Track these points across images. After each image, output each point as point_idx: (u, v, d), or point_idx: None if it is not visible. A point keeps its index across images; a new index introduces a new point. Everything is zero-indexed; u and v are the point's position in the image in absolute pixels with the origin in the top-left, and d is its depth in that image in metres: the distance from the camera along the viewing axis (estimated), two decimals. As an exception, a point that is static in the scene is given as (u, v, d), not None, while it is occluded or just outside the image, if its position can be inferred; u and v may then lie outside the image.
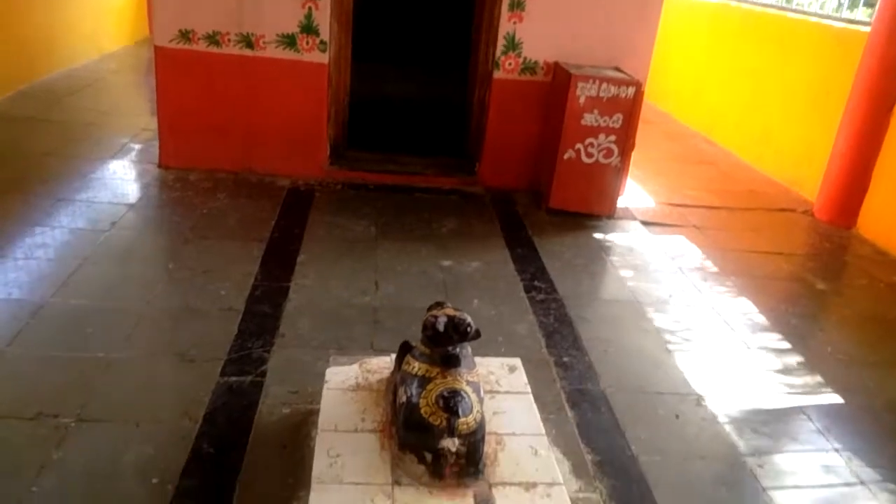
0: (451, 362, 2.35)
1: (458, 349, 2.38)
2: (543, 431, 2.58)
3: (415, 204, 5.42)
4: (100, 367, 3.11)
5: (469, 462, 2.28)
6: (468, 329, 2.39)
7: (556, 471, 2.39)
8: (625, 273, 4.62)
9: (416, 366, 2.40)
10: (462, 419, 2.21)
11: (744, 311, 4.27)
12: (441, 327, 2.37)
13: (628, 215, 5.60)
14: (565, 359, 3.56)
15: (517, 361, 2.97)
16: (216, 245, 4.41)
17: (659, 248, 5.11)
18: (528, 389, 2.80)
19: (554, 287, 4.30)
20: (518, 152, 5.78)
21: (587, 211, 5.41)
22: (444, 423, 2.19)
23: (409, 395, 2.33)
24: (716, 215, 5.88)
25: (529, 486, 2.31)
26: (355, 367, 2.84)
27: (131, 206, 4.86)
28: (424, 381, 2.33)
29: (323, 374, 2.78)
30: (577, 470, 2.81)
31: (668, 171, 6.85)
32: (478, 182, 5.85)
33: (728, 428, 3.18)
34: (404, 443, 2.31)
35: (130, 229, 4.53)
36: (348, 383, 2.73)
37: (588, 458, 2.89)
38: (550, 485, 2.32)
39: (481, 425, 2.27)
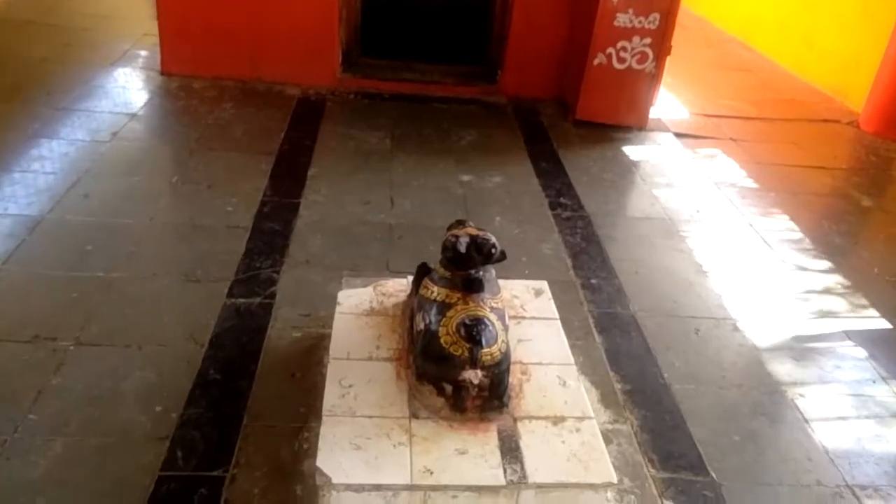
0: (473, 287, 2.13)
1: (480, 272, 2.16)
2: (572, 360, 2.39)
3: (432, 114, 5.10)
4: (100, 287, 2.95)
5: (492, 395, 2.10)
6: (492, 250, 2.17)
7: (586, 403, 2.21)
8: (656, 189, 4.34)
9: (434, 290, 2.19)
10: (485, 349, 2.01)
11: (783, 230, 4.00)
12: (462, 248, 2.15)
13: (660, 127, 5.25)
14: (593, 280, 3.34)
15: (543, 284, 2.75)
16: (222, 157, 4.17)
17: (693, 162, 4.79)
18: (556, 315, 2.59)
19: (580, 203, 4.04)
20: (543, 59, 5.38)
21: (617, 122, 5.06)
22: (466, 353, 2.00)
23: (427, 322, 2.13)
24: (753, 127, 5.51)
25: (557, 419, 2.13)
26: (369, 289, 2.64)
27: (133, 115, 4.60)
28: (444, 308, 2.12)
29: (335, 297, 2.59)
30: (606, 399, 2.64)
31: (702, 80, 6.42)
32: (499, 91, 5.48)
33: (766, 355, 2.98)
34: (422, 373, 2.13)
35: (132, 140, 4.28)
36: (362, 307, 2.54)
37: (618, 386, 2.71)
38: (580, 418, 2.15)
39: (506, 355, 2.07)
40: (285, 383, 2.54)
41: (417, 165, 4.30)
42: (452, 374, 2.06)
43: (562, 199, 4.06)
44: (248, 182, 3.90)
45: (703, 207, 4.17)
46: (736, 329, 3.12)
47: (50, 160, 3.92)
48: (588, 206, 4.01)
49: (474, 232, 2.24)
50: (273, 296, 3.00)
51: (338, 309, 2.52)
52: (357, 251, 3.38)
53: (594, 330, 3.01)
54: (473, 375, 2.04)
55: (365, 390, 2.16)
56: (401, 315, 2.51)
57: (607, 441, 2.32)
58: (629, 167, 4.62)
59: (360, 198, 3.86)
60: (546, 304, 2.65)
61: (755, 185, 4.53)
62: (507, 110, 5.31)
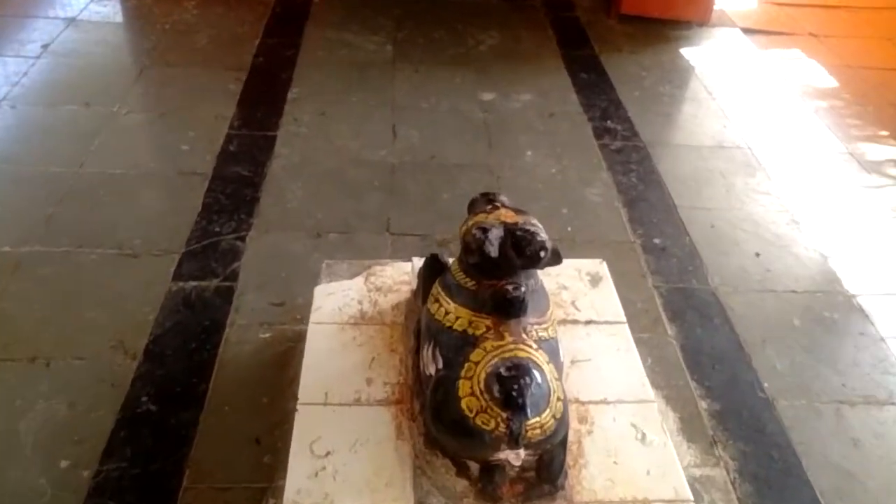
0: (511, 310, 1.36)
1: (522, 285, 1.38)
2: (652, 394, 1.65)
3: (444, 11, 4.13)
4: (1, 267, 2.21)
5: (542, 477, 1.38)
6: (540, 251, 1.38)
7: (680, 473, 1.48)
8: (727, 105, 3.44)
9: (451, 310, 1.43)
10: (532, 420, 1.26)
11: (886, 151, 3.14)
12: (494, 250, 1.36)
13: (724, 21, 4.26)
14: (657, 240, 2.55)
15: (601, 267, 1.98)
16: (180, 76, 3.31)
17: (768, 66, 3.85)
18: (623, 316, 1.83)
19: (633, 128, 3.18)
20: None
21: (672, 16, 4.09)
22: (503, 427, 1.25)
23: (440, 366, 1.38)
24: (838, 18, 4.49)
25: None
26: (358, 281, 1.88)
27: (71, 20, 3.69)
28: (466, 343, 1.36)
29: (316, 273, 1.87)
30: (689, 426, 1.92)
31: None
32: (526, -21, 4.47)
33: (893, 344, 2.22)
34: (434, 440, 1.40)
35: (67, 55, 3.41)
36: (348, 312, 1.78)
37: (703, 405, 1.98)
38: (672, 502, 1.42)
39: (563, 422, 1.33)
40: (245, 418, 1.83)
41: (426, 81, 3.41)
42: (482, 454, 1.33)
43: (609, 123, 3.20)
44: (211, 108, 3.07)
45: (788, 129, 3.29)
46: (853, 307, 2.34)
47: (-41, 83, 3.09)
48: (643, 132, 3.15)
49: (511, 219, 1.44)
50: (235, 275, 2.25)
51: (313, 316, 1.77)
52: (349, 205, 2.59)
53: (663, 315, 2.25)
54: (514, 457, 1.31)
55: (349, 462, 1.44)
56: (403, 323, 1.76)
57: (696, 497, 1.62)
58: (690, 75, 3.70)
59: (353, 127, 3.02)
60: (608, 299, 1.88)
61: (847, 97, 3.61)
62: (536, 4, 4.31)
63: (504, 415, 1.25)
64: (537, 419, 1.26)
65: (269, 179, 2.67)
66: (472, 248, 1.38)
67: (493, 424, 1.25)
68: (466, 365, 1.32)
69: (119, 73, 3.34)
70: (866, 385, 2.07)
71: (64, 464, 1.69)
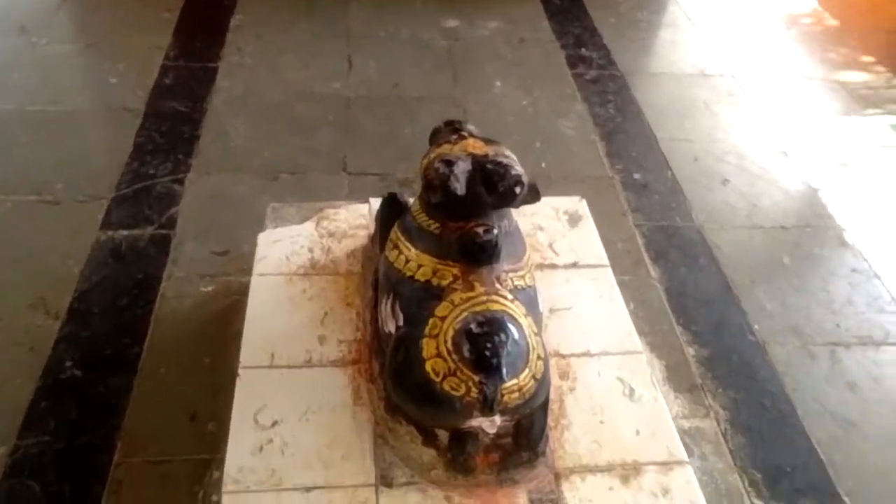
0: (482, 256, 1.16)
1: (494, 227, 1.18)
2: (639, 344, 1.48)
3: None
4: None
5: (520, 444, 1.21)
6: (515, 186, 1.17)
7: (673, 433, 1.32)
8: (709, 31, 3.22)
9: (413, 257, 1.22)
10: (509, 383, 1.07)
11: (881, 86, 2.97)
12: (460, 187, 1.15)
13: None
14: (637, 175, 2.36)
15: (580, 205, 1.78)
16: (108, 2, 2.97)
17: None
18: (605, 259, 1.64)
19: (610, 57, 2.95)
20: None
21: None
22: (475, 391, 1.06)
23: (399, 322, 1.18)
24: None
25: (628, 469, 1.26)
26: (309, 226, 1.66)
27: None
28: (430, 295, 1.16)
29: (265, 220, 1.63)
30: (676, 374, 1.77)
31: None
32: None
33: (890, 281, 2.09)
34: (397, 406, 1.21)
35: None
36: (296, 261, 1.57)
37: (690, 351, 1.83)
38: (665, 465, 1.27)
39: (544, 381, 1.14)
40: (184, 382, 1.62)
41: (384, 8, 3.12)
42: (451, 423, 1.15)
43: (584, 52, 2.96)
44: (144, 38, 2.76)
45: (773, 56, 3.09)
46: (844, 242, 2.19)
47: None
48: (620, 61, 2.92)
49: (480, 150, 1.23)
50: (172, 222, 2.01)
51: (256, 266, 1.55)
52: (300, 142, 2.34)
53: (646, 256, 2.08)
54: (488, 424, 1.13)
55: (299, 433, 1.25)
56: (360, 272, 1.55)
57: (686, 451, 1.47)
58: (668, 1, 3.46)
59: (303, 58, 2.74)
60: (588, 240, 1.69)
61: (833, 22, 3.41)
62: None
63: (476, 378, 1.06)
64: (515, 381, 1.08)
65: (210, 115, 2.41)
66: (434, 185, 1.17)
67: (463, 389, 1.06)
68: (431, 321, 1.12)
69: (39, 1, 2.98)
70: (861, 325, 1.94)
71: (-26, 440, 1.48)
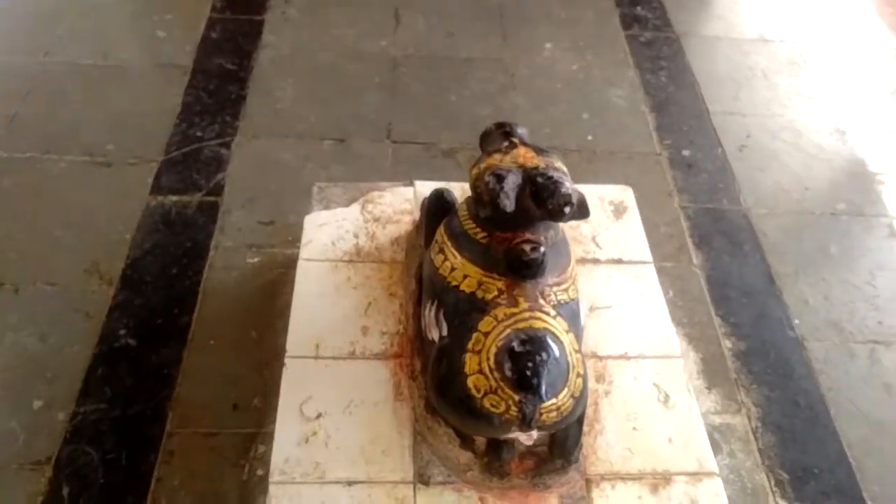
0: (528, 272, 1.17)
1: (542, 245, 1.18)
2: (678, 349, 1.49)
3: None
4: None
5: (555, 452, 1.25)
6: (565, 205, 1.16)
7: (704, 442, 1.35)
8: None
9: (458, 265, 1.24)
10: (548, 403, 1.10)
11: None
12: (509, 204, 1.15)
13: None
14: (686, 152, 2.31)
15: (627, 193, 1.76)
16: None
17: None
18: (649, 255, 1.64)
19: (666, 16, 2.83)
20: None
21: None
22: (515, 410, 1.09)
23: (443, 332, 1.21)
24: None
25: (658, 479, 1.29)
26: (354, 209, 1.67)
27: None
28: (474, 308, 1.18)
29: (309, 187, 1.67)
30: (711, 368, 1.79)
31: None
32: None
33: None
34: (438, 410, 1.26)
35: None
36: (342, 247, 1.59)
37: (727, 344, 1.84)
38: (695, 476, 1.30)
39: (582, 398, 1.17)
40: (232, 355, 1.69)
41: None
42: (489, 435, 1.19)
43: (639, 10, 2.85)
44: (191, -15, 2.72)
45: (839, 19, 2.93)
46: (893, 233, 2.14)
47: None
48: (676, 21, 2.81)
49: (531, 162, 1.22)
50: (220, 189, 2.04)
51: (302, 251, 1.58)
52: (345, 106, 2.33)
53: (689, 242, 2.05)
54: (525, 437, 1.17)
55: (342, 426, 1.31)
56: (404, 261, 1.57)
57: (715, 448, 1.50)
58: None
59: (349, 12, 2.68)
60: (633, 234, 1.68)
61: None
62: None
63: (516, 397, 1.09)
64: (553, 401, 1.10)
65: (256, 74, 2.39)
66: (484, 200, 1.17)
67: (503, 407, 1.10)
68: (475, 336, 1.14)
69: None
70: (909, 321, 1.92)
71: (37, 404, 1.57)
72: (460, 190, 1.70)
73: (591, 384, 1.40)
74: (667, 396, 1.40)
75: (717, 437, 1.65)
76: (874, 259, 2.07)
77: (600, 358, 1.45)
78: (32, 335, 1.68)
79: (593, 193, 1.75)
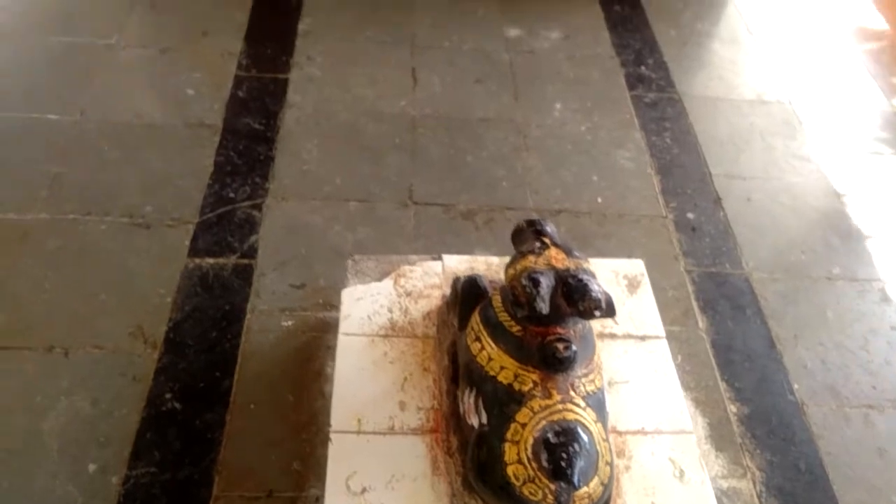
0: (560, 367, 1.30)
1: (574, 341, 1.31)
2: (690, 424, 1.62)
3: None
4: (7, 238, 2.10)
5: (584, 531, 1.37)
6: (595, 309, 1.29)
7: (717, 515, 1.47)
8: (766, 44, 3.21)
9: (495, 356, 1.36)
10: (581, 491, 1.23)
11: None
12: (545, 307, 1.27)
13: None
14: (690, 215, 2.44)
15: (639, 266, 1.89)
16: (180, 2, 3.04)
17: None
18: (661, 329, 1.76)
19: (669, 76, 2.97)
20: None
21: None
22: (550, 498, 1.22)
23: (483, 420, 1.33)
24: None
25: (674, 550, 1.42)
26: (387, 283, 1.79)
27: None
28: (511, 399, 1.30)
29: (338, 251, 1.81)
30: (718, 432, 1.91)
31: None
32: None
33: (926, 340, 2.18)
34: (477, 493, 1.37)
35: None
36: (378, 321, 1.71)
37: (732, 409, 1.96)
38: (708, 548, 1.43)
39: (609, 484, 1.30)
40: (272, 419, 1.80)
41: (449, 12, 3.15)
42: (524, 517, 1.31)
43: (643, 69, 2.99)
44: (217, 42, 2.84)
45: (833, 78, 3.09)
46: (887, 298, 2.28)
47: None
48: (679, 81, 2.95)
49: (562, 264, 1.34)
50: (254, 251, 2.16)
51: (342, 325, 1.69)
52: (368, 167, 2.45)
53: (695, 306, 2.19)
54: (558, 520, 1.29)
55: (386, 500, 1.42)
56: (435, 336, 1.69)
57: (721, 512, 1.63)
58: (729, 9, 3.43)
59: (368, 71, 2.81)
60: (646, 308, 1.80)
61: (897, 39, 3.38)
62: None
63: (552, 486, 1.21)
64: (585, 489, 1.23)
65: (283, 135, 2.51)
66: (521, 302, 1.29)
67: (540, 496, 1.22)
68: (513, 426, 1.27)
69: (110, 1, 3.06)
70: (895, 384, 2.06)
71: (92, 468, 1.67)
72: (484, 264, 1.84)
73: (614, 459, 1.53)
74: (682, 472, 1.53)
75: (725, 502, 1.77)
76: (867, 324, 2.20)
77: (620, 433, 1.57)
78: (84, 399, 1.78)
79: (608, 267, 1.89)
